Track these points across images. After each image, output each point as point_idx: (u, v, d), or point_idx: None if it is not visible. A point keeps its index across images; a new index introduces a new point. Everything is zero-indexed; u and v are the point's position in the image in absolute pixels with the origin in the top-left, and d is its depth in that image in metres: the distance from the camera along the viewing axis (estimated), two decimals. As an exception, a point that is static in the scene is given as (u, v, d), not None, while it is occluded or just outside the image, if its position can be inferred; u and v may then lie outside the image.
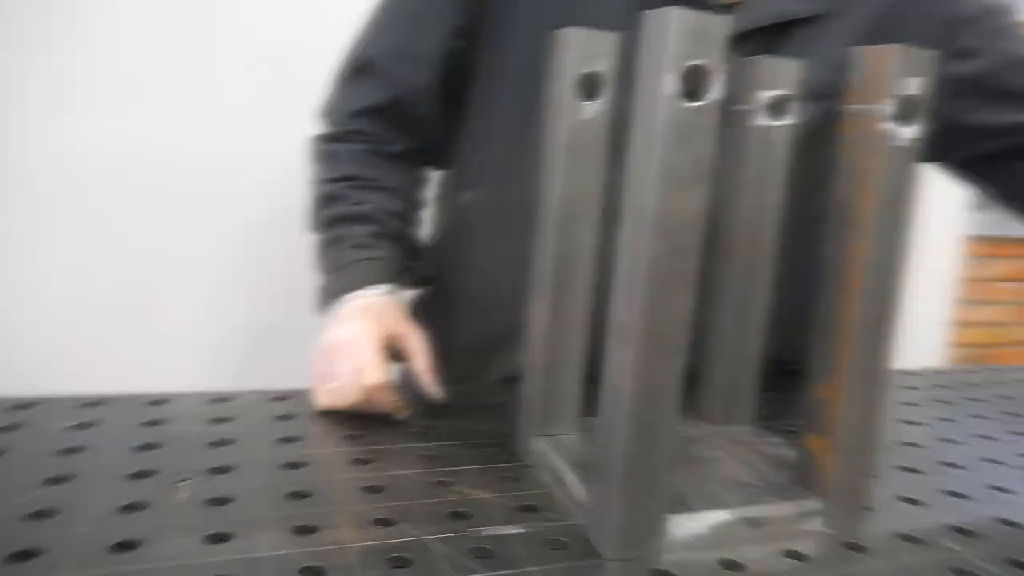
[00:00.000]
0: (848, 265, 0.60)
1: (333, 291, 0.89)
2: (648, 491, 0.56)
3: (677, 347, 0.54)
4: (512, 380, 0.97)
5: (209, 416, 0.77)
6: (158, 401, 0.80)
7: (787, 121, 0.73)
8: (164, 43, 1.41)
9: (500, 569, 0.54)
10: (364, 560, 0.53)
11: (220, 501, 0.60)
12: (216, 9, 1.43)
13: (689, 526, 0.59)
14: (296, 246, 1.35)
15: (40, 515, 0.56)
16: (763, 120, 0.72)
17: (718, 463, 0.69)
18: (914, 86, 0.57)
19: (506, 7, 0.93)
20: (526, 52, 0.93)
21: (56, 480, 0.62)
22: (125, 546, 0.53)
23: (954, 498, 0.71)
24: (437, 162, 1.07)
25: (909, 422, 0.90)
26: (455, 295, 1.04)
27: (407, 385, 0.83)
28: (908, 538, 0.63)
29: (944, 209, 2.34)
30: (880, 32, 0.91)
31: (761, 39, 0.89)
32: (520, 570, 0.54)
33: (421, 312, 1.11)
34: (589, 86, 0.67)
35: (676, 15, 0.49)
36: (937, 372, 1.13)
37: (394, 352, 0.83)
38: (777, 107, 0.73)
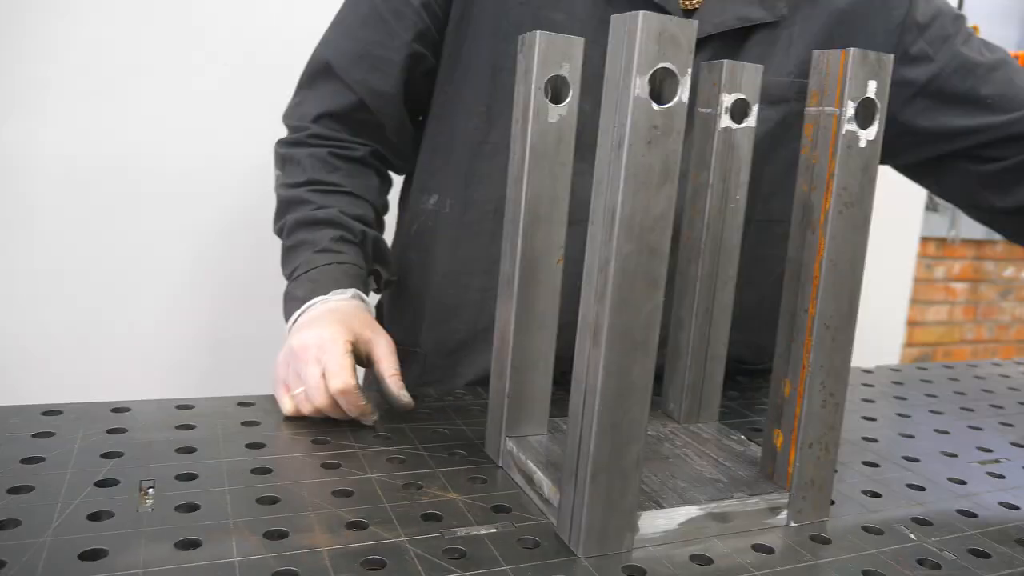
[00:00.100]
0: (809, 264, 0.61)
1: (297, 296, 0.88)
2: (618, 489, 0.57)
3: (646, 346, 0.55)
4: (479, 383, 0.98)
5: (173, 423, 0.76)
6: (120, 409, 0.78)
7: (749, 124, 0.74)
8: (129, 47, 1.39)
9: (473, 569, 0.54)
10: (337, 563, 0.53)
11: (188, 508, 0.60)
12: (184, 12, 1.41)
13: (659, 522, 0.60)
14: (257, 250, 1.35)
15: (3, 525, 0.55)
16: (725, 123, 0.74)
17: (685, 460, 0.70)
18: (872, 89, 0.59)
19: (469, 12, 0.93)
20: (489, 57, 0.93)
21: (18, 490, 0.61)
22: (94, 555, 0.52)
23: (914, 491, 0.73)
24: (400, 166, 1.06)
25: (868, 418, 0.92)
26: (420, 299, 1.04)
27: (374, 389, 0.83)
28: (871, 529, 0.65)
29: (900, 210, 2.39)
30: (835, 38, 0.93)
31: (721, 43, 0.90)
32: (493, 570, 0.54)
33: (386, 316, 1.11)
34: (555, 89, 0.67)
35: (643, 19, 0.49)
36: (892, 370, 1.15)
37: (361, 356, 0.83)
38: (738, 110, 0.74)
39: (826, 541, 0.62)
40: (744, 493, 0.63)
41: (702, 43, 0.88)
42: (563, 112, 0.68)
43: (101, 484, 0.62)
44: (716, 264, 0.77)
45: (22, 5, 1.31)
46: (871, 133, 0.60)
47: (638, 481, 0.57)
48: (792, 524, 0.64)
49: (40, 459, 0.66)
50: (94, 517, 0.57)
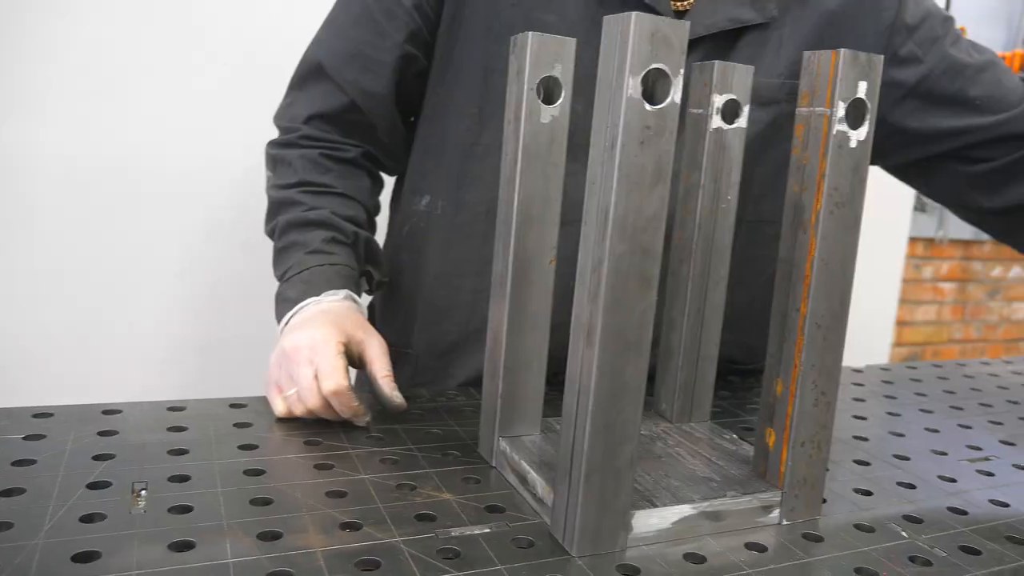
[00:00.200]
0: (801, 264, 0.61)
1: (290, 297, 0.88)
2: (612, 488, 0.57)
3: (639, 346, 0.55)
4: (471, 384, 0.98)
5: (165, 425, 0.76)
6: (111, 411, 0.78)
7: (740, 124, 0.75)
8: (129, 47, 1.38)
9: (468, 569, 0.54)
10: (332, 564, 0.53)
11: (181, 509, 0.59)
12: (184, 12, 1.41)
13: (652, 522, 0.60)
14: (254, 251, 1.34)
15: (-5, 528, 0.55)
16: (716, 123, 0.74)
17: (678, 460, 0.70)
18: (863, 89, 0.59)
19: (460, 14, 0.93)
20: (480, 58, 0.93)
21: (9, 492, 0.60)
22: (87, 557, 0.52)
23: (905, 489, 0.73)
24: (392, 167, 1.06)
25: (859, 417, 0.93)
26: (412, 300, 1.04)
27: (366, 390, 0.83)
28: (863, 527, 0.65)
29: (888, 211, 2.41)
30: (825, 39, 0.94)
31: (712, 45, 0.91)
32: (488, 569, 0.54)
33: (378, 317, 1.11)
34: (547, 90, 0.67)
35: (636, 19, 0.50)
36: (882, 369, 1.16)
37: (353, 357, 0.82)
38: (729, 111, 0.74)
39: (818, 539, 0.63)
40: (737, 492, 0.64)
41: (693, 44, 0.89)
42: (555, 113, 0.68)
43: (93, 486, 0.62)
44: (708, 264, 0.77)
45: (22, 5, 1.31)
46: (861, 133, 0.60)
47: (632, 480, 0.58)
48: (785, 522, 0.65)
49: (31, 461, 0.66)
50: (87, 519, 0.57)
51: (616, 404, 0.55)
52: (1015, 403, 1.03)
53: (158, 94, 1.41)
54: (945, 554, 0.61)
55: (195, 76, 1.43)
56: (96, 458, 0.67)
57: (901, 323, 3.05)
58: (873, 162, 0.98)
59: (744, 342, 0.99)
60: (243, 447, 0.72)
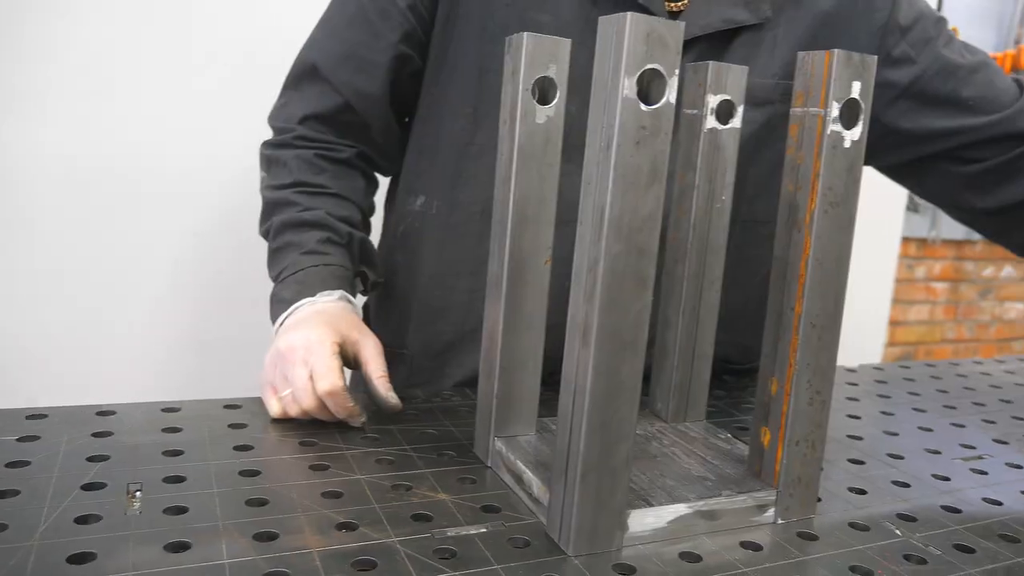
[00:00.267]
0: (795, 263, 0.62)
1: (284, 297, 0.88)
2: (608, 488, 0.57)
3: (635, 346, 0.55)
4: (466, 384, 0.98)
5: (159, 426, 0.75)
6: (105, 412, 0.78)
7: (734, 125, 0.75)
8: (129, 47, 1.39)
9: (464, 569, 0.54)
10: (328, 564, 0.53)
11: (176, 510, 0.59)
12: (184, 12, 1.41)
13: (648, 521, 0.60)
14: (243, 252, 1.34)
15: (-11, 530, 0.55)
16: (711, 124, 0.74)
17: (673, 459, 0.70)
18: (856, 90, 0.59)
19: (455, 14, 0.93)
20: (475, 58, 0.93)
21: (3, 494, 0.60)
22: (82, 558, 0.52)
23: (899, 487, 0.74)
24: (386, 168, 1.06)
25: (853, 416, 0.93)
26: (407, 300, 1.04)
27: (361, 391, 0.83)
28: (857, 526, 0.65)
29: (881, 211, 2.41)
30: (819, 39, 0.94)
31: (706, 45, 0.91)
32: (484, 569, 0.54)
33: (373, 318, 1.11)
34: (542, 90, 0.68)
35: (632, 20, 0.50)
36: (876, 368, 1.16)
37: (348, 358, 0.82)
38: (724, 111, 0.74)
39: (813, 538, 0.63)
40: (732, 491, 0.64)
41: (688, 45, 0.89)
42: (550, 113, 0.68)
43: (88, 487, 0.62)
44: (703, 264, 0.77)
45: (22, 5, 1.31)
46: (855, 133, 0.60)
47: (627, 480, 0.58)
48: (779, 521, 0.65)
49: (25, 463, 0.66)
50: (82, 520, 0.57)
51: (612, 403, 0.56)
52: (1008, 402, 1.04)
53: (157, 94, 1.41)
54: (939, 552, 0.62)
55: (195, 76, 1.43)
56: (90, 459, 0.67)
57: (894, 323, 3.06)
58: (866, 162, 0.99)
59: (739, 342, 1.00)
60: (238, 448, 0.72)
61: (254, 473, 0.67)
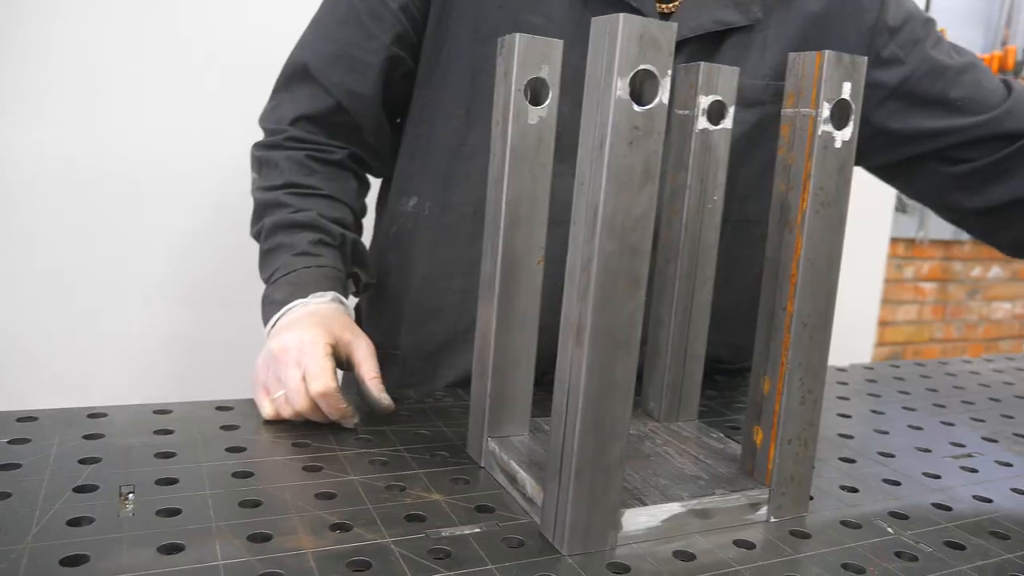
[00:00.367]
0: (787, 263, 0.62)
1: (276, 299, 0.88)
2: (602, 487, 0.57)
3: (629, 345, 0.56)
4: (458, 385, 0.98)
5: (151, 428, 0.75)
6: (96, 414, 0.77)
7: (725, 125, 0.75)
8: (129, 47, 1.38)
9: (459, 569, 0.54)
10: (323, 565, 0.53)
11: (170, 512, 0.59)
12: (184, 12, 1.40)
13: (642, 520, 0.60)
14: (242, 252, 1.34)
15: (-19, 532, 0.55)
16: (702, 124, 0.74)
17: (666, 458, 0.70)
18: (847, 90, 0.60)
19: (447, 15, 0.93)
20: (468, 59, 0.93)
21: (-5, 497, 0.60)
22: (75, 560, 0.52)
23: (890, 485, 0.74)
24: (378, 169, 1.06)
25: (844, 415, 0.94)
26: (399, 302, 1.04)
27: (354, 392, 0.83)
28: (849, 524, 0.66)
29: (870, 212, 2.43)
30: (809, 41, 0.95)
31: (697, 47, 0.91)
32: (479, 569, 0.54)
33: (365, 319, 1.11)
34: (535, 91, 0.68)
35: (624, 21, 0.50)
36: (866, 368, 1.17)
37: (340, 359, 0.82)
38: (715, 112, 0.75)
39: (806, 536, 0.63)
40: (725, 490, 0.64)
41: (679, 46, 0.89)
42: (543, 114, 0.68)
43: (80, 490, 0.62)
44: (695, 264, 0.77)
45: (20, 5, 1.30)
46: (846, 134, 0.61)
47: (621, 479, 0.58)
48: (772, 519, 0.65)
49: (16, 465, 0.65)
50: (74, 523, 0.57)
51: (605, 402, 0.56)
52: (997, 401, 1.05)
53: (157, 94, 1.41)
54: (930, 549, 0.62)
55: (195, 76, 1.42)
56: (82, 461, 0.67)
57: (883, 323, 3.07)
58: (856, 163, 0.99)
59: (730, 342, 1.00)
60: (231, 449, 0.72)
61: (247, 475, 0.67)
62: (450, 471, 0.70)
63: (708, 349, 0.80)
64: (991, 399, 1.05)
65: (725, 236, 0.81)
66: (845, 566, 0.59)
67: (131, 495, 0.61)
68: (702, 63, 0.73)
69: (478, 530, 0.60)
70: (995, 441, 0.89)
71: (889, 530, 0.65)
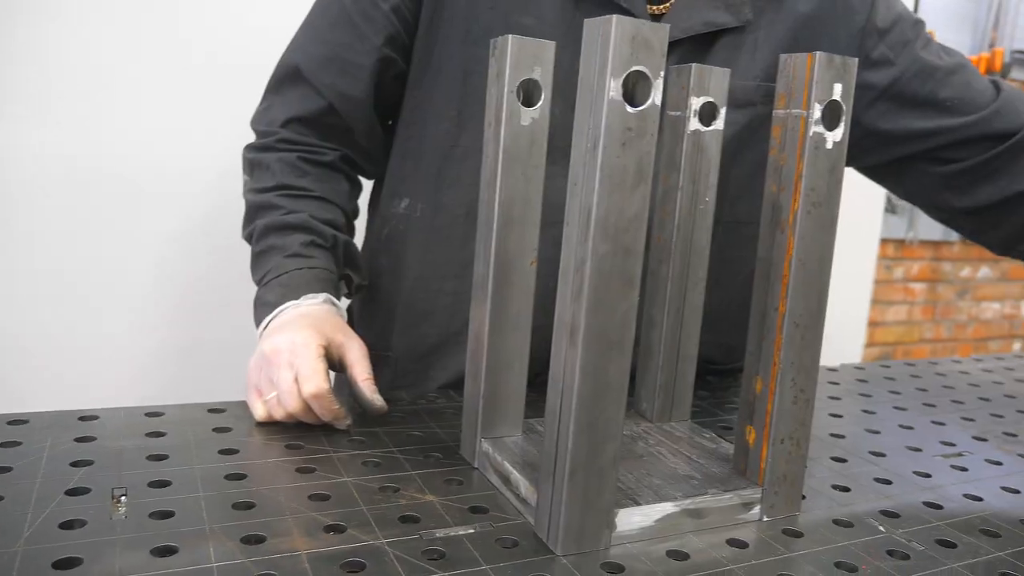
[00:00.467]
0: (779, 263, 0.62)
1: (269, 301, 0.88)
2: (595, 487, 0.57)
3: (622, 346, 0.56)
4: (451, 386, 0.98)
5: (143, 430, 0.75)
6: (88, 417, 0.77)
7: (717, 126, 0.76)
8: (129, 47, 1.37)
9: (453, 569, 0.54)
10: (317, 566, 0.53)
11: (163, 514, 0.59)
12: (184, 12, 1.40)
13: (636, 520, 0.60)
14: (226, 255, 1.33)
15: (-28, 536, 0.54)
16: (694, 126, 0.75)
17: (659, 458, 0.70)
18: (838, 91, 0.60)
19: (439, 17, 0.93)
20: (459, 61, 0.93)
21: (-14, 500, 0.60)
22: (68, 563, 0.51)
23: (881, 484, 0.75)
24: (370, 171, 1.06)
25: (835, 415, 0.94)
26: (391, 303, 1.04)
27: (346, 393, 0.83)
28: (841, 523, 0.66)
29: (860, 212, 2.44)
30: (799, 42, 0.95)
31: (688, 48, 0.91)
32: (473, 570, 0.54)
33: (357, 320, 1.11)
34: (527, 92, 0.68)
35: (617, 23, 0.50)
36: (856, 368, 1.18)
37: (333, 360, 0.82)
38: (707, 113, 0.75)
39: (798, 535, 0.63)
40: (718, 489, 0.64)
41: (670, 48, 0.89)
42: (535, 115, 0.68)
43: (72, 493, 0.61)
44: (687, 265, 0.78)
45: (22, 5, 1.30)
46: (837, 134, 0.61)
47: (615, 479, 0.58)
48: (765, 519, 0.65)
49: (7, 469, 0.65)
50: (67, 526, 0.56)
51: (599, 403, 0.56)
52: (986, 400, 1.05)
53: (157, 94, 1.40)
54: (922, 547, 0.62)
55: (195, 76, 1.42)
56: (74, 464, 0.66)
57: (873, 323, 3.09)
58: (847, 164, 1.00)
59: (722, 342, 1.00)
60: (223, 451, 0.71)
61: (240, 477, 0.66)
62: (444, 472, 0.70)
63: (700, 350, 0.81)
64: (981, 398, 1.06)
65: (716, 237, 0.81)
66: (838, 565, 0.59)
67: (123, 497, 0.61)
68: (694, 64, 0.74)
69: (472, 531, 0.60)
70: (985, 440, 0.89)
71: (881, 529, 0.65)
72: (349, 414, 0.78)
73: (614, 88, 0.51)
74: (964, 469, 0.80)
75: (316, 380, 0.76)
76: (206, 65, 1.43)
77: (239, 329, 0.92)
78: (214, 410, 0.81)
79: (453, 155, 0.96)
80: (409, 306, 1.02)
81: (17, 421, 0.75)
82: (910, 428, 0.92)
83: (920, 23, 1.01)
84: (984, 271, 3.40)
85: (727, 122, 0.78)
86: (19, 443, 0.70)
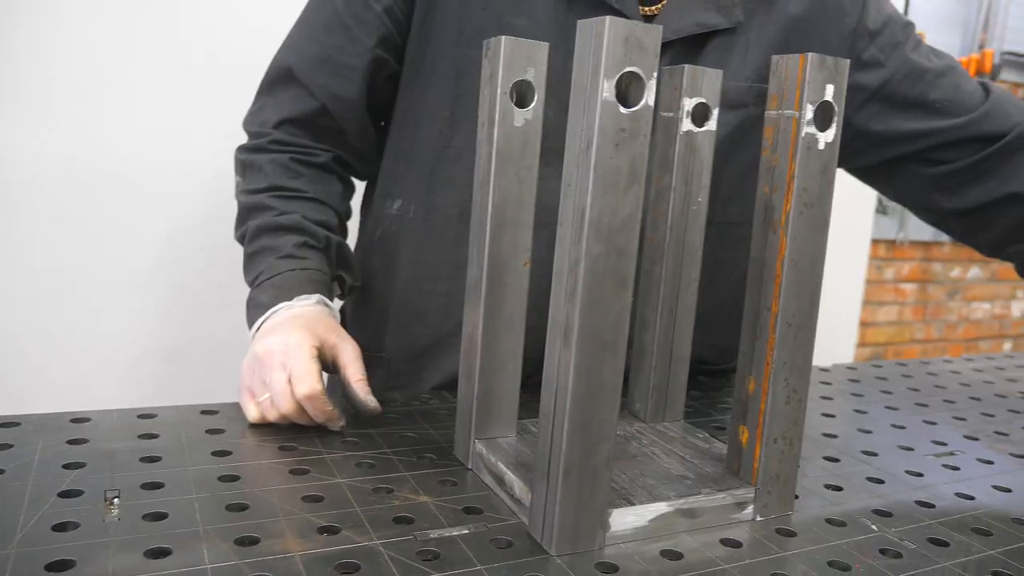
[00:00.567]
0: (772, 263, 0.62)
1: (261, 302, 0.88)
2: (589, 487, 0.57)
3: (616, 346, 0.56)
4: (444, 387, 0.98)
5: (136, 432, 0.75)
6: (80, 419, 0.77)
7: (709, 127, 0.76)
8: (129, 47, 1.37)
9: (448, 570, 0.54)
10: (311, 568, 0.53)
11: (156, 516, 0.59)
12: (183, 13, 1.40)
13: (629, 520, 0.60)
14: (219, 256, 1.33)
15: (-36, 539, 0.54)
16: (687, 126, 0.75)
17: (653, 458, 0.71)
18: (830, 92, 0.60)
19: (431, 18, 0.93)
20: (452, 62, 0.94)
21: (-22, 503, 0.59)
22: (61, 565, 0.51)
23: (874, 483, 0.75)
24: (363, 172, 1.06)
25: (827, 415, 0.94)
26: (384, 304, 1.04)
27: (340, 395, 0.83)
28: (834, 522, 0.66)
29: (851, 213, 2.44)
30: (791, 43, 0.95)
31: (680, 49, 0.92)
32: (467, 570, 0.54)
33: (350, 322, 1.11)
34: (520, 93, 0.68)
35: (610, 23, 0.50)
36: (848, 368, 1.18)
37: (326, 362, 0.82)
38: (699, 114, 0.75)
39: (791, 534, 0.64)
40: (711, 489, 0.65)
41: (662, 49, 0.89)
42: (528, 116, 0.69)
43: (64, 495, 0.61)
44: (680, 266, 0.78)
45: (22, 5, 1.29)
46: (829, 135, 0.61)
47: (609, 479, 0.58)
48: (758, 518, 0.65)
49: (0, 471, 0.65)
50: (59, 528, 0.56)
51: (593, 403, 0.56)
52: (977, 400, 1.06)
53: (157, 95, 1.40)
54: (914, 546, 0.63)
55: (194, 76, 1.42)
56: (66, 467, 0.66)
57: (864, 324, 3.10)
58: (838, 165, 1.00)
59: (714, 343, 1.01)
60: (216, 453, 0.71)
61: (233, 478, 0.66)
62: (437, 473, 0.70)
63: (693, 350, 0.81)
64: (972, 398, 1.06)
65: (709, 238, 0.81)
66: (831, 563, 0.59)
67: (116, 499, 0.61)
68: (686, 65, 0.74)
69: (466, 531, 0.60)
70: (976, 439, 0.90)
71: (873, 528, 0.66)
72: (342, 415, 0.78)
73: (607, 89, 0.51)
74: (956, 468, 0.81)
75: (309, 381, 0.76)
76: (206, 65, 1.42)
77: (239, 329, 0.92)
78: (207, 412, 0.81)
79: (446, 156, 0.96)
80: (402, 307, 1.02)
81: (9, 424, 0.74)
82: (902, 428, 0.92)
83: (910, 25, 1.02)
84: (974, 271, 3.41)
85: (719, 123, 0.78)
86: (11, 446, 0.70)
